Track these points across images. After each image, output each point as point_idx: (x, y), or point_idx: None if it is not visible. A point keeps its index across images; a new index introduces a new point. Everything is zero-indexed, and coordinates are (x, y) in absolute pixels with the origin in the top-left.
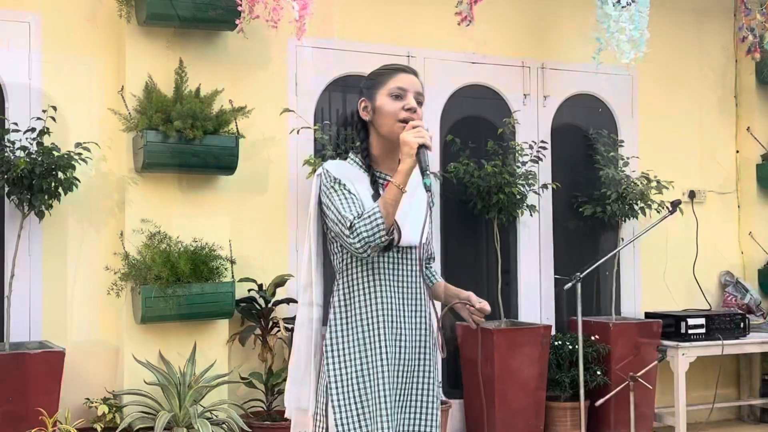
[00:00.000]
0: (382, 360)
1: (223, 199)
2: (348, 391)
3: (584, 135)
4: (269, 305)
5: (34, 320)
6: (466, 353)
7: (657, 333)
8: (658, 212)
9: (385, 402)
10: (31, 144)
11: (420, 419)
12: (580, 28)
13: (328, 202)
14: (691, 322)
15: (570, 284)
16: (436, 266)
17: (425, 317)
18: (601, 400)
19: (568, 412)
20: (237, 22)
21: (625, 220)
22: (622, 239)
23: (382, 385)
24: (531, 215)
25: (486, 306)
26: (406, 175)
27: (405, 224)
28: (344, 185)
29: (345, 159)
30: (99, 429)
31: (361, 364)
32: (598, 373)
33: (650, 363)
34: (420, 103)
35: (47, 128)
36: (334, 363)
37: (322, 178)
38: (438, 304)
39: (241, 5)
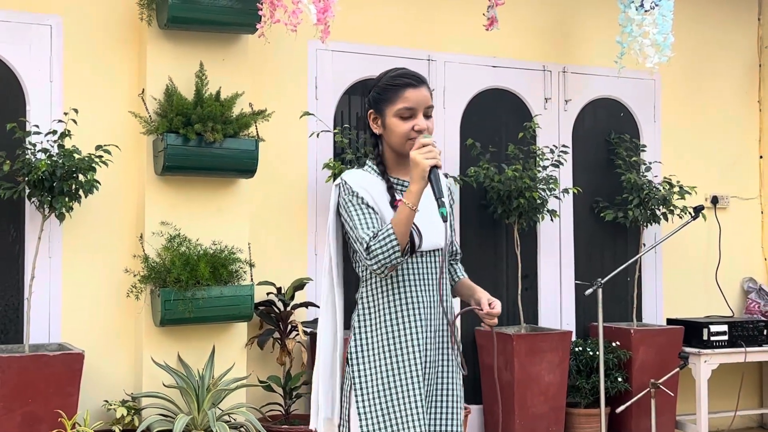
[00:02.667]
0: (411, 365)
1: (242, 202)
2: (374, 397)
3: (606, 139)
4: (288, 309)
5: (53, 322)
6: (485, 358)
7: (679, 340)
8: (681, 218)
9: (417, 407)
10: (52, 146)
11: (444, 422)
12: (602, 32)
13: (347, 216)
14: (713, 329)
15: (591, 290)
16: None
17: (450, 319)
18: (621, 407)
19: (589, 419)
20: (258, 26)
21: (647, 226)
22: (644, 245)
23: (413, 390)
24: (552, 220)
25: (495, 309)
26: (418, 196)
27: (427, 228)
28: (362, 198)
29: (363, 166)
30: (117, 430)
31: (388, 370)
32: (619, 379)
33: (672, 370)
34: (429, 116)
35: (68, 131)
36: (359, 368)
37: (341, 189)
38: (458, 304)
39: (261, 9)
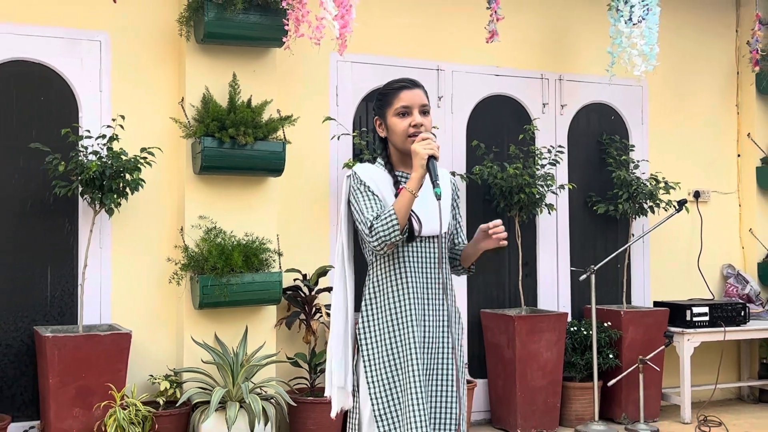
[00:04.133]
0: (411, 339)
1: (271, 198)
2: (379, 368)
3: (598, 140)
4: (312, 293)
5: (104, 305)
6: (489, 337)
7: (664, 320)
8: (666, 210)
9: (418, 376)
10: (102, 149)
11: (443, 392)
12: (595, 43)
13: (354, 202)
14: (695, 310)
15: (585, 276)
16: None
17: (449, 300)
18: (612, 381)
19: (583, 391)
20: (284, 39)
21: (635, 218)
22: (633, 235)
23: (415, 362)
24: (549, 213)
25: (497, 221)
26: (418, 182)
27: (428, 216)
28: (369, 187)
29: (374, 162)
30: (161, 402)
31: (392, 345)
32: (611, 356)
33: (658, 347)
34: (426, 112)
35: (116, 135)
36: (367, 343)
37: (351, 180)
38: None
39: (287, 25)
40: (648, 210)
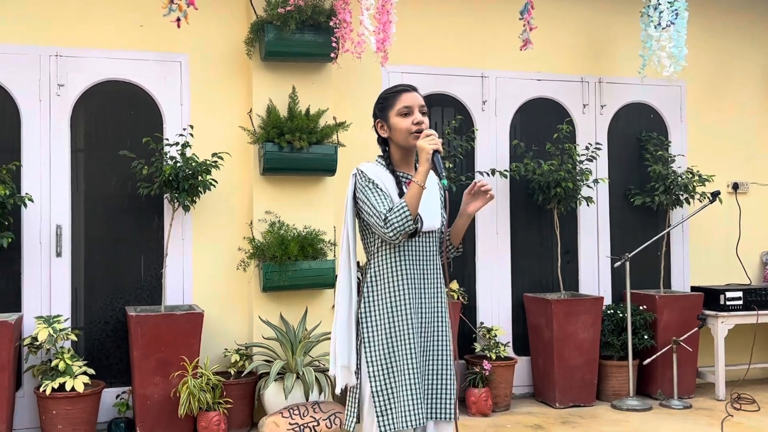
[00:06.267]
0: (408, 324)
1: (327, 195)
2: (378, 350)
3: (637, 138)
4: (363, 278)
5: (186, 288)
6: (531, 319)
7: (698, 304)
8: (701, 201)
9: (413, 357)
10: (177, 155)
11: (438, 367)
12: (632, 48)
13: (363, 198)
14: (729, 294)
15: (619, 263)
16: (505, 247)
17: (442, 288)
18: (648, 360)
19: (620, 369)
20: (332, 55)
21: (672, 209)
22: (670, 224)
23: (411, 344)
24: (588, 205)
25: (482, 181)
26: (425, 175)
27: (426, 214)
28: (376, 184)
29: (375, 161)
30: (232, 373)
31: (390, 328)
32: (646, 337)
33: (692, 329)
34: (424, 113)
35: (187, 142)
36: (367, 327)
37: (357, 177)
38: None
39: (335, 42)
40: (684, 201)
